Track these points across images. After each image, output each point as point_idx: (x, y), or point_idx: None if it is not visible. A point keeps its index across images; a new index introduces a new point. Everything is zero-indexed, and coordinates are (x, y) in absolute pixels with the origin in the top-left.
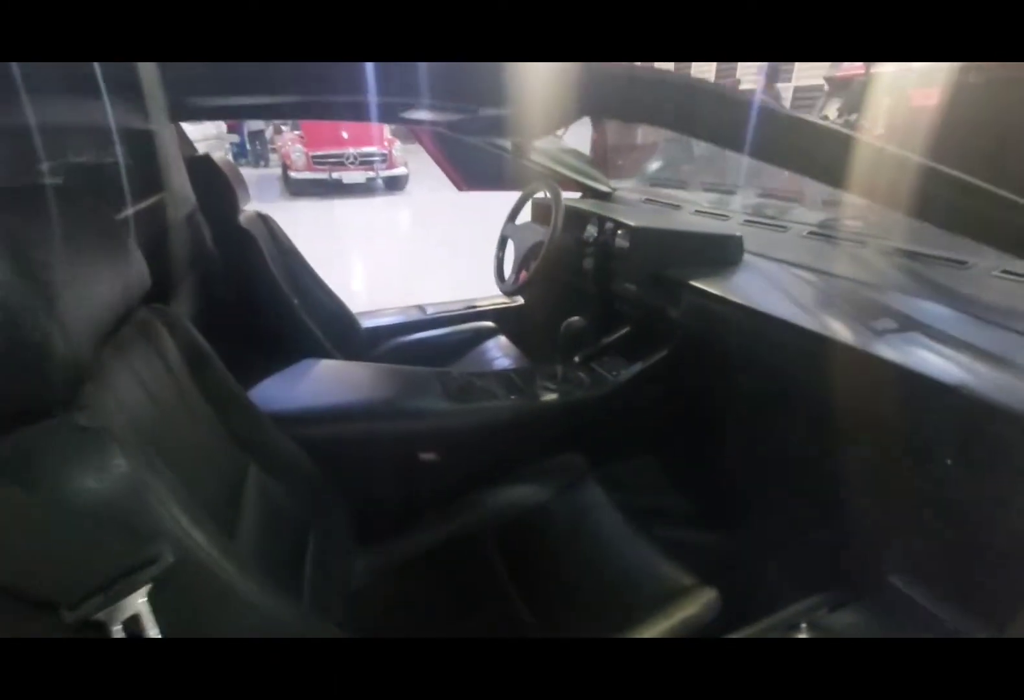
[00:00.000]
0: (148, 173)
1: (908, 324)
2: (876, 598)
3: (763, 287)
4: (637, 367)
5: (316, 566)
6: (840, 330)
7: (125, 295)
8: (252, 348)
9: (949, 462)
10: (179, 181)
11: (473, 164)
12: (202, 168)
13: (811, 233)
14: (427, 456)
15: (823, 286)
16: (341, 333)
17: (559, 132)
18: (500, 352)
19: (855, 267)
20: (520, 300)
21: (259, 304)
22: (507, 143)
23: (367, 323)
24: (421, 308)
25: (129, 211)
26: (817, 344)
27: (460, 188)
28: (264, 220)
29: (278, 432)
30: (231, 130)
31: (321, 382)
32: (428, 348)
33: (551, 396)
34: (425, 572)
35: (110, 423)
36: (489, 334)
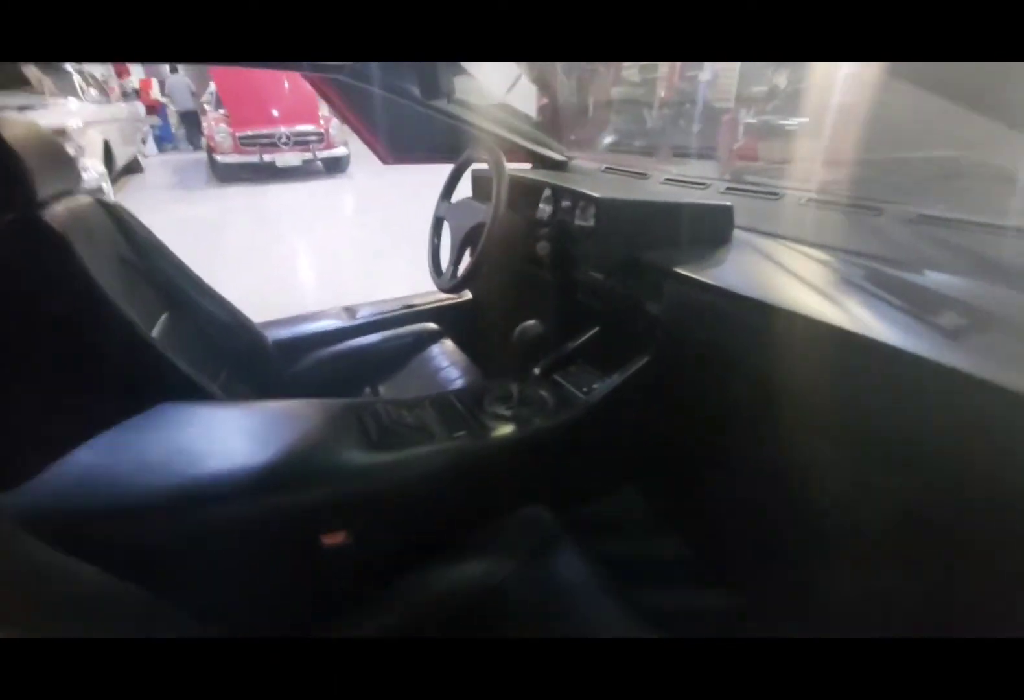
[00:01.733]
0: None
1: (983, 319)
2: None
3: (767, 272)
4: (613, 380)
5: None
6: (893, 331)
7: None
8: (76, 398)
9: None
10: None
11: (399, 132)
12: None
13: (811, 200)
14: (333, 540)
15: (846, 268)
16: (240, 352)
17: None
18: (446, 360)
19: (877, 241)
20: (468, 295)
21: (83, 332)
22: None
23: (281, 334)
24: (350, 311)
25: None
26: (865, 351)
27: (385, 161)
28: (109, 210)
29: (47, 548)
30: (151, 111)
31: (170, 443)
32: (358, 360)
33: (505, 429)
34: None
35: None
36: (432, 338)
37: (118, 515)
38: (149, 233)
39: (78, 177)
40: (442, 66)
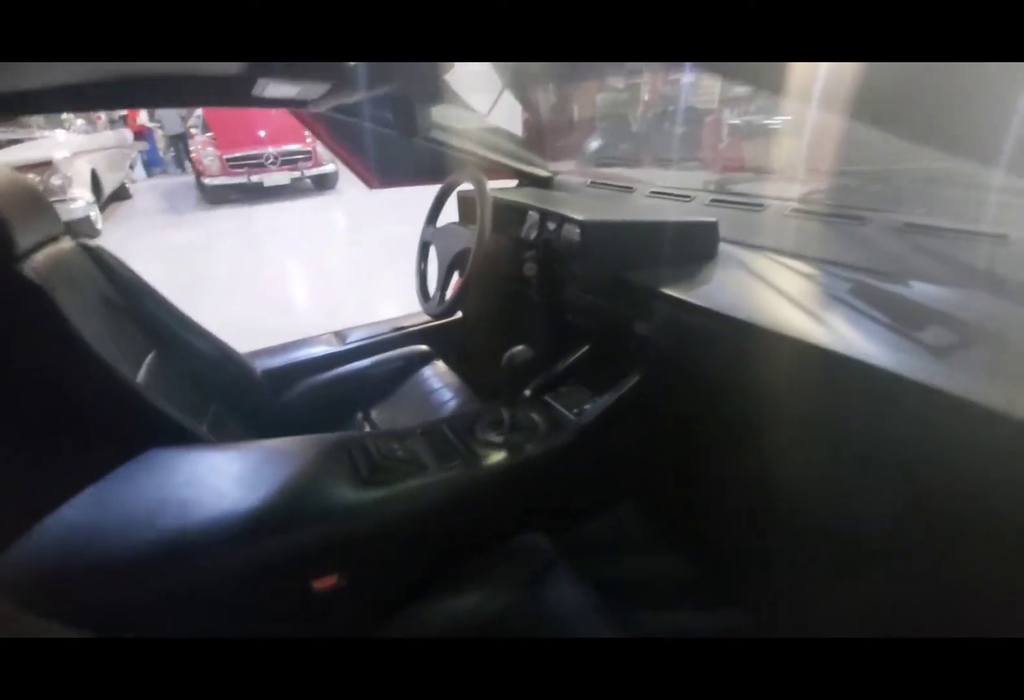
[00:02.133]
0: None
1: (970, 335)
2: None
3: (753, 289)
4: (605, 400)
5: None
6: (878, 349)
7: None
8: (61, 452)
9: None
10: None
11: (384, 156)
12: None
13: (795, 210)
14: (325, 583)
15: (830, 281)
16: (229, 385)
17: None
18: (438, 382)
19: (861, 252)
20: (458, 314)
21: (66, 384)
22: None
23: (271, 363)
24: (340, 336)
25: None
26: (848, 371)
27: (371, 185)
28: (91, 254)
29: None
30: (139, 137)
31: (157, 493)
32: (350, 386)
33: (497, 456)
34: None
35: None
36: (423, 360)
37: (100, 575)
38: (132, 273)
39: (58, 222)
40: (418, 103)
